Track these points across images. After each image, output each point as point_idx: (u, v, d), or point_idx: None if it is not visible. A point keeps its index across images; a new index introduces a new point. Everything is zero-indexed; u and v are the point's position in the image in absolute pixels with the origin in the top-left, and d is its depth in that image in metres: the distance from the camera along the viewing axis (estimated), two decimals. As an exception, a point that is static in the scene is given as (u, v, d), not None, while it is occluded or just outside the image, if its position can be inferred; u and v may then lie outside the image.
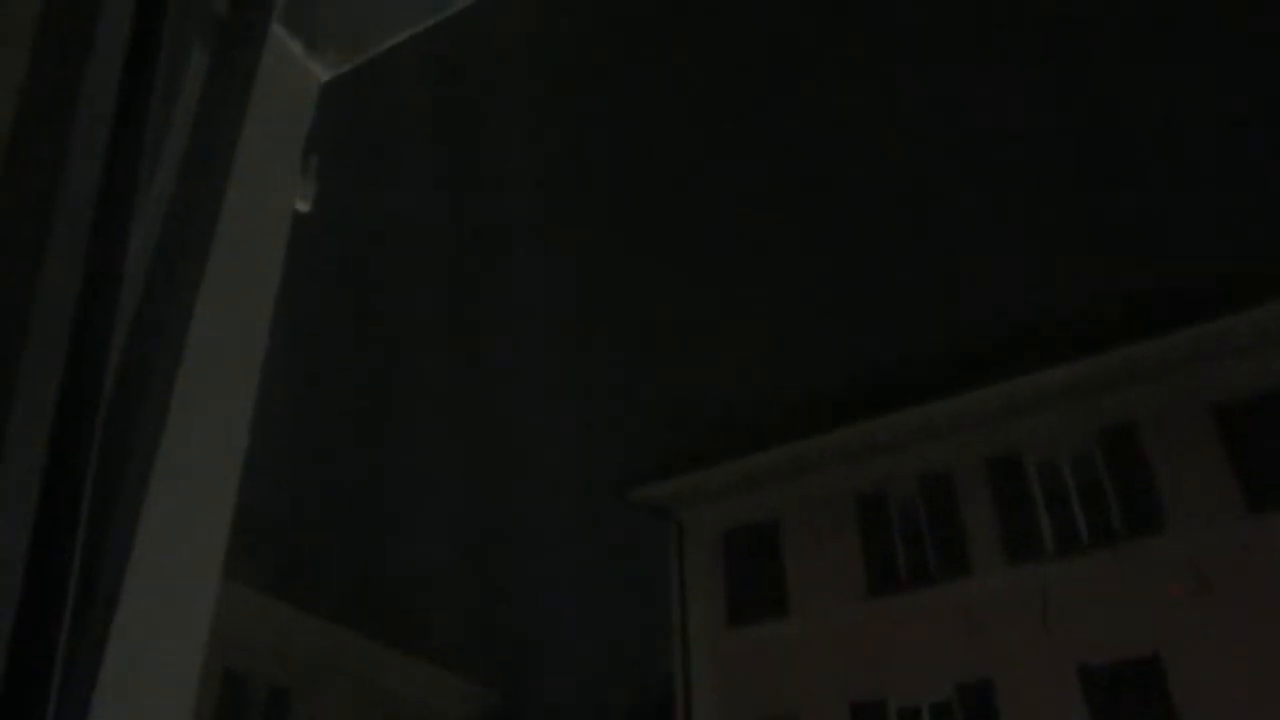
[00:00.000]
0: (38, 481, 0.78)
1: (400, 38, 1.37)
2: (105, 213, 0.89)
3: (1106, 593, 15.99)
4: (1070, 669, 15.81)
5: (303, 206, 1.28)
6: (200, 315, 1.06)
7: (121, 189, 0.91)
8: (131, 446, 0.95)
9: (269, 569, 19.77)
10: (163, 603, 0.97)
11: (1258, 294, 16.71)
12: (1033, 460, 17.79)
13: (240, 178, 1.15)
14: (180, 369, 1.02)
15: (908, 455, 18.74)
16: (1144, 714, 15.16)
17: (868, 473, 19.00)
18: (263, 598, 18.73)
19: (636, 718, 24.54)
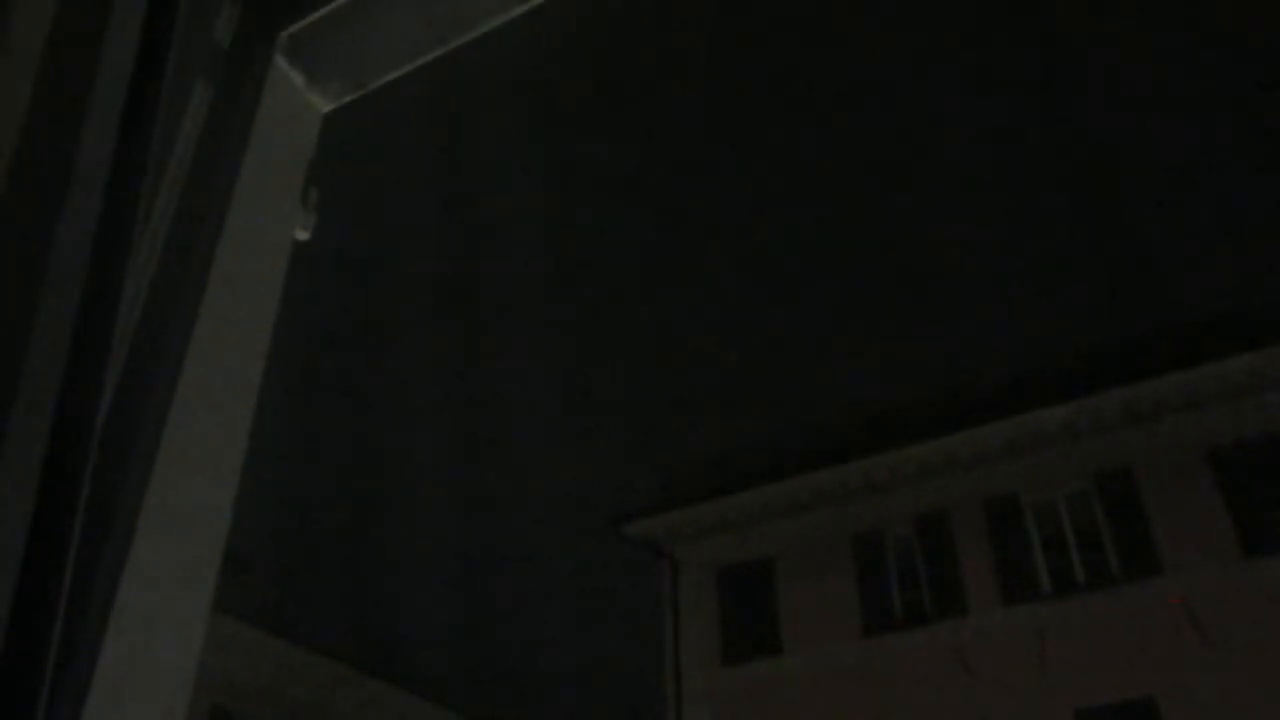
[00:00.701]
0: (29, 510, 0.78)
1: (402, 71, 1.39)
2: (106, 240, 0.89)
3: (1102, 635, 15.90)
4: (1066, 711, 15.69)
5: (302, 235, 1.29)
6: (198, 341, 1.06)
7: (123, 216, 0.92)
8: (125, 471, 0.96)
9: (258, 603, 19.63)
10: (156, 618, 0.96)
11: (1253, 339, 16.76)
12: (1029, 501, 17.76)
13: (241, 207, 1.16)
14: (177, 393, 1.03)
15: (904, 495, 18.70)
16: (1140, 759, 15.04)
17: (864, 512, 18.96)
18: (251, 632, 18.59)
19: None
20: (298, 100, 1.32)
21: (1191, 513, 16.16)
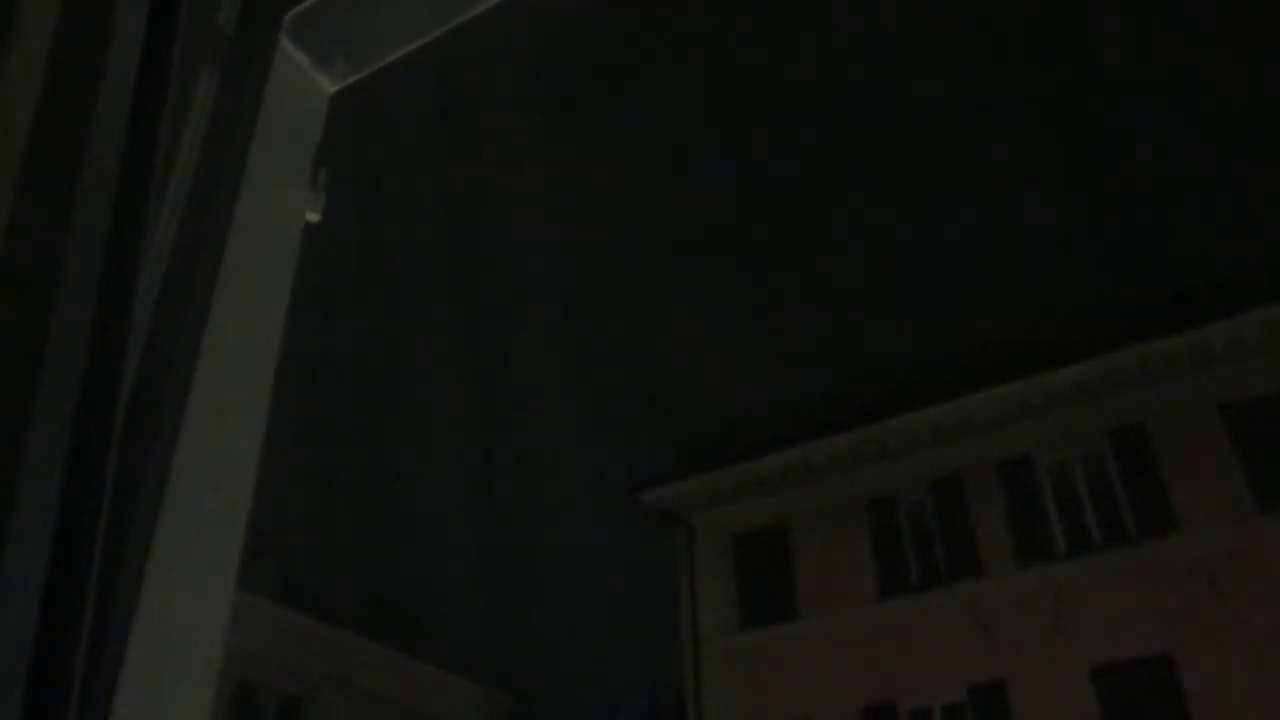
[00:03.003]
0: (57, 495, 0.80)
1: (408, 49, 1.39)
2: (119, 228, 0.90)
3: (1118, 593, 15.94)
4: (1082, 669, 15.77)
5: (313, 217, 1.30)
6: (213, 326, 1.08)
7: (134, 204, 0.93)
8: (147, 455, 0.97)
9: (280, 577, 19.81)
10: (179, 609, 0.98)
11: (1267, 294, 16.67)
12: (1044, 462, 17.75)
13: (250, 190, 1.17)
14: (195, 376, 1.04)
15: (918, 458, 18.71)
16: (1156, 714, 15.11)
17: (878, 476, 18.98)
18: (273, 606, 18.77)
19: (650, 717, 24.53)
20: (304, 81, 1.32)
21: (1206, 470, 16.14)
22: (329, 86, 1.37)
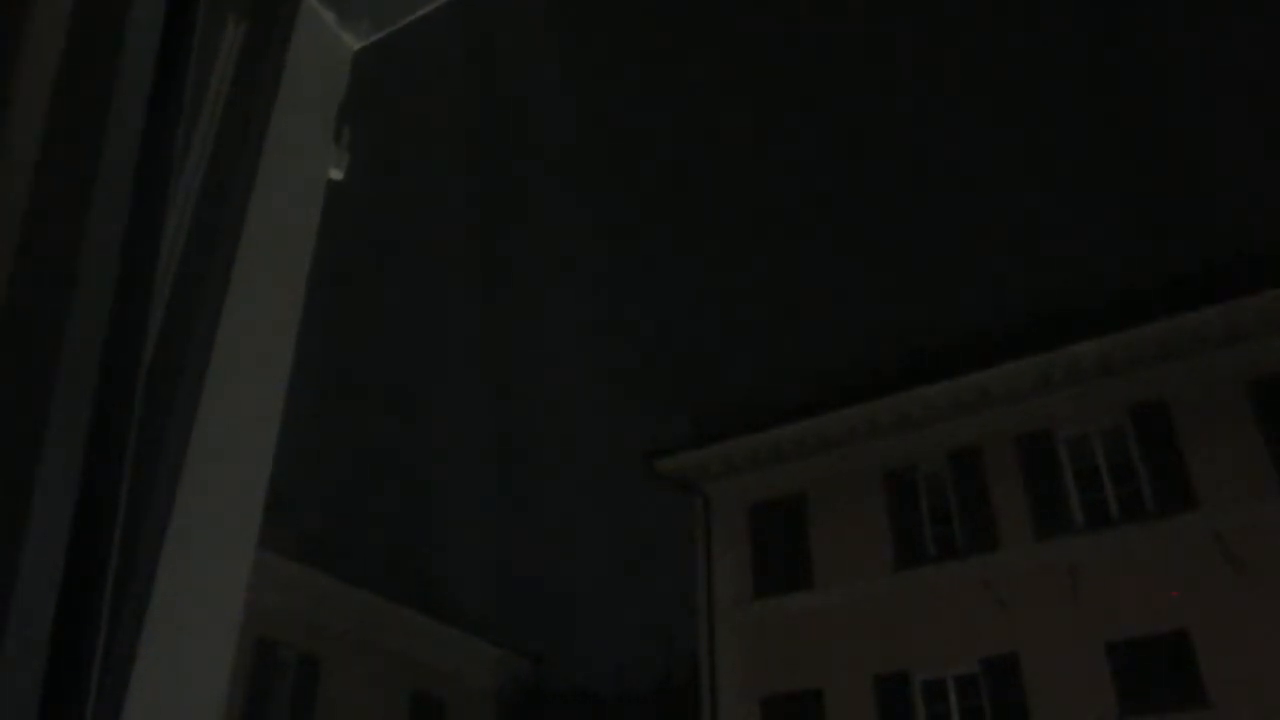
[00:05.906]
0: (81, 454, 0.80)
1: (431, 7, 1.38)
2: (143, 183, 0.90)
3: (1136, 569, 15.89)
4: (1098, 644, 15.75)
5: (336, 174, 1.29)
6: (236, 283, 1.08)
7: (159, 160, 0.92)
8: (170, 413, 0.97)
9: (301, 537, 19.99)
10: (200, 573, 0.99)
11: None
12: (1063, 436, 17.66)
13: (274, 147, 1.17)
14: (217, 337, 1.04)
15: (937, 430, 18.64)
16: (1172, 690, 15.10)
17: (896, 447, 18.93)
18: (294, 565, 18.95)
19: (665, 683, 24.72)
20: (328, 38, 1.31)
21: (1228, 446, 16.01)
22: (353, 44, 1.36)
